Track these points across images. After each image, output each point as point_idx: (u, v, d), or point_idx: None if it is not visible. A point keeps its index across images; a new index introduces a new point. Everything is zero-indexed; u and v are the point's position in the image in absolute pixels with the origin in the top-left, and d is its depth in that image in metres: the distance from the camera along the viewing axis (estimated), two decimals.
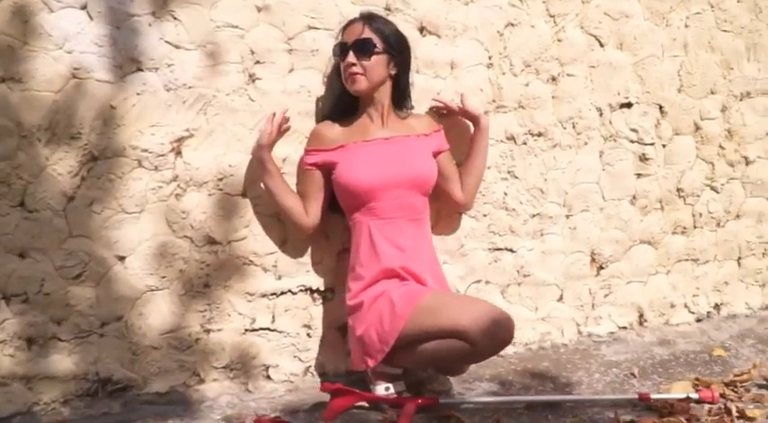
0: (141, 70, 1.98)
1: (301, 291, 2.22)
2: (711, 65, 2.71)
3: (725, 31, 2.71)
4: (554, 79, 2.45)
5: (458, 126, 2.29)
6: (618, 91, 2.56)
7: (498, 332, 1.79)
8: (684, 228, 2.75)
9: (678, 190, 2.72)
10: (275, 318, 2.20)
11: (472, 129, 2.27)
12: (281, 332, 2.21)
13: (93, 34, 1.92)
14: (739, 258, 2.88)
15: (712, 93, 2.73)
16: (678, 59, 2.65)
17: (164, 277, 2.06)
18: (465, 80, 2.33)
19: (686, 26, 2.64)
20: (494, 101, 2.38)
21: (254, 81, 2.09)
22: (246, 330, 2.17)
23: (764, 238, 2.90)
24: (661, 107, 2.64)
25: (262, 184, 2.09)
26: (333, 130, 2.06)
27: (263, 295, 2.18)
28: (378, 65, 2.01)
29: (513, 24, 2.38)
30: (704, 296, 2.83)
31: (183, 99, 2.02)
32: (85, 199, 1.96)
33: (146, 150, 2.00)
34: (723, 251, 2.84)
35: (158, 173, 2.02)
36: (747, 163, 2.83)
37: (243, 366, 2.17)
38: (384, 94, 2.07)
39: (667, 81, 2.64)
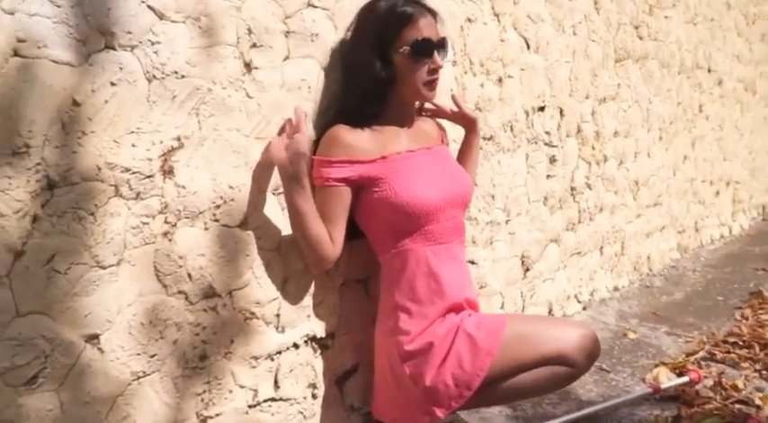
0: (113, 48, 1.29)
1: (305, 342, 1.74)
2: (587, 71, 2.93)
3: (593, 41, 2.96)
4: (500, 80, 2.37)
5: None
6: (538, 94, 2.60)
7: (594, 349, 1.66)
8: (573, 224, 2.94)
9: (572, 189, 2.89)
10: (279, 382, 1.68)
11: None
12: (286, 400, 1.70)
13: None
14: (601, 247, 3.19)
15: (587, 97, 2.96)
16: (569, 65, 2.80)
17: (153, 356, 1.40)
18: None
19: (574, 34, 2.81)
20: None
21: (250, 70, 1.55)
22: (250, 406, 1.61)
23: (615, 227, 3.27)
24: (561, 110, 2.76)
25: (266, 211, 1.58)
26: (362, 137, 1.65)
27: (268, 356, 1.64)
28: None
29: (470, 20, 2.22)
30: (585, 285, 3.06)
31: (172, 93, 1.39)
32: (42, 253, 1.21)
33: (127, 170, 1.32)
34: (593, 242, 3.11)
35: (140, 203, 1.36)
36: (605, 161, 3.15)
37: None
38: None
39: (565, 85, 2.77)
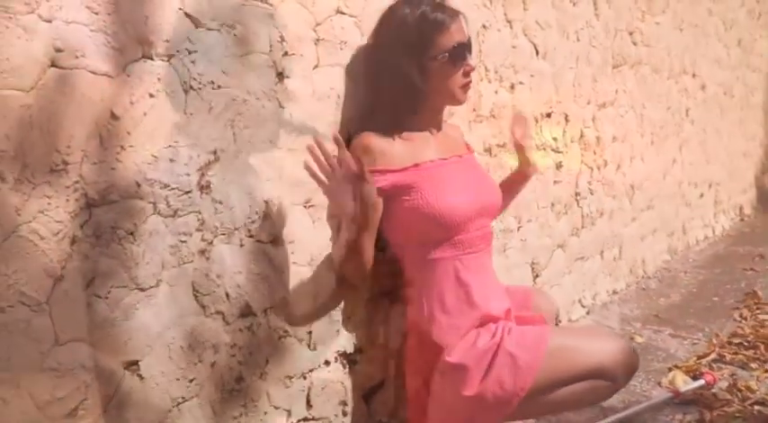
0: (150, 58, 1.22)
1: (335, 359, 1.68)
2: (588, 77, 2.94)
3: (593, 47, 2.97)
4: (512, 87, 2.35)
5: None
6: (545, 100, 2.58)
7: (634, 362, 1.63)
8: (577, 229, 2.94)
9: (576, 194, 2.88)
10: (311, 401, 1.62)
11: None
12: (318, 420, 1.64)
13: None
14: (602, 252, 3.19)
15: (588, 103, 2.96)
16: (573, 71, 2.80)
17: (192, 381, 1.33)
18: None
19: (577, 40, 2.81)
20: (474, 110, 2.16)
21: (282, 80, 1.49)
22: None
23: (615, 231, 3.29)
24: (566, 116, 2.75)
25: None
26: (394, 145, 1.60)
27: (301, 375, 1.58)
28: None
29: (485, 26, 2.19)
30: (587, 290, 3.06)
31: (208, 105, 1.32)
32: (81, 276, 1.13)
33: (166, 186, 1.25)
34: (594, 247, 3.11)
35: (178, 220, 1.29)
36: (605, 166, 3.16)
37: None
38: None
39: (569, 91, 2.77)
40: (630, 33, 3.35)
